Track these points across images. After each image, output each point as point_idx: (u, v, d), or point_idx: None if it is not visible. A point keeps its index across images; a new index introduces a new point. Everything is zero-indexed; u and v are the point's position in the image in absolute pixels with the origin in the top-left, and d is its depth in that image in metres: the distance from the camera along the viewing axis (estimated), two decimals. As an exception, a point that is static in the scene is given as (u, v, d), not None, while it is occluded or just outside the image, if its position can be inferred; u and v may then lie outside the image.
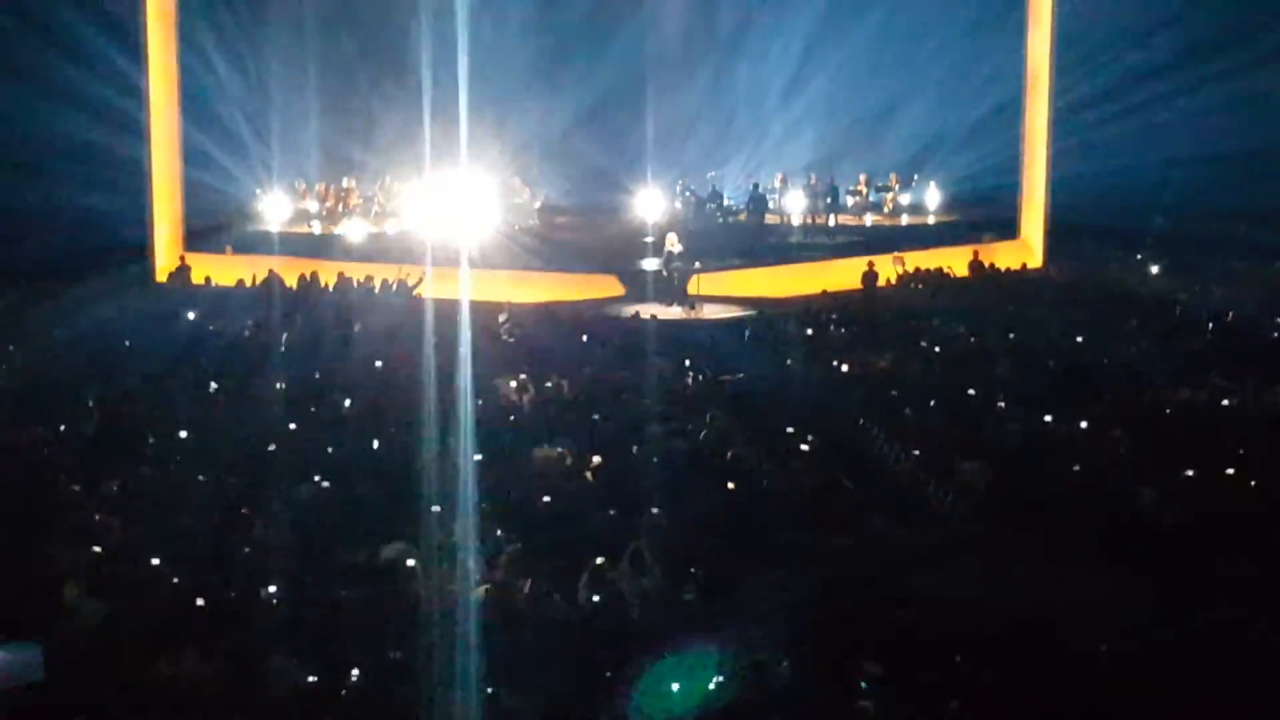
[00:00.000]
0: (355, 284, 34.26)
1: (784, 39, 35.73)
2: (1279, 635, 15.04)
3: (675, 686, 13.88)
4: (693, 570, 17.30)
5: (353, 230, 37.60)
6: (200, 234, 37.51)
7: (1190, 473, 21.28)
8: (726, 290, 34.47)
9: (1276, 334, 30.76)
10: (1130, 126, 37.06)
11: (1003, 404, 25.58)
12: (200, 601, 16.36)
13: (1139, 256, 37.51)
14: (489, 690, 14.07)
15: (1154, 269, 36.66)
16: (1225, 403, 25.32)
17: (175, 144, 36.87)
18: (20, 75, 35.28)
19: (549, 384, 25.96)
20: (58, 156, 35.08)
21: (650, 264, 34.09)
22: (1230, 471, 21.33)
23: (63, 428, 23.47)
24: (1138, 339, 29.75)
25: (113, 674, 14.74)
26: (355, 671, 14.65)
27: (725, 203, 38.87)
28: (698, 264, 34.68)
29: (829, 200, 39.20)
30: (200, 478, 20.89)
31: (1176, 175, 37.50)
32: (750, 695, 14.24)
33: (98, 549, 18.00)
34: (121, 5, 36.13)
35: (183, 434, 23.61)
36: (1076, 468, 21.95)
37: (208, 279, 35.80)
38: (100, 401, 24.78)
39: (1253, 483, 20.92)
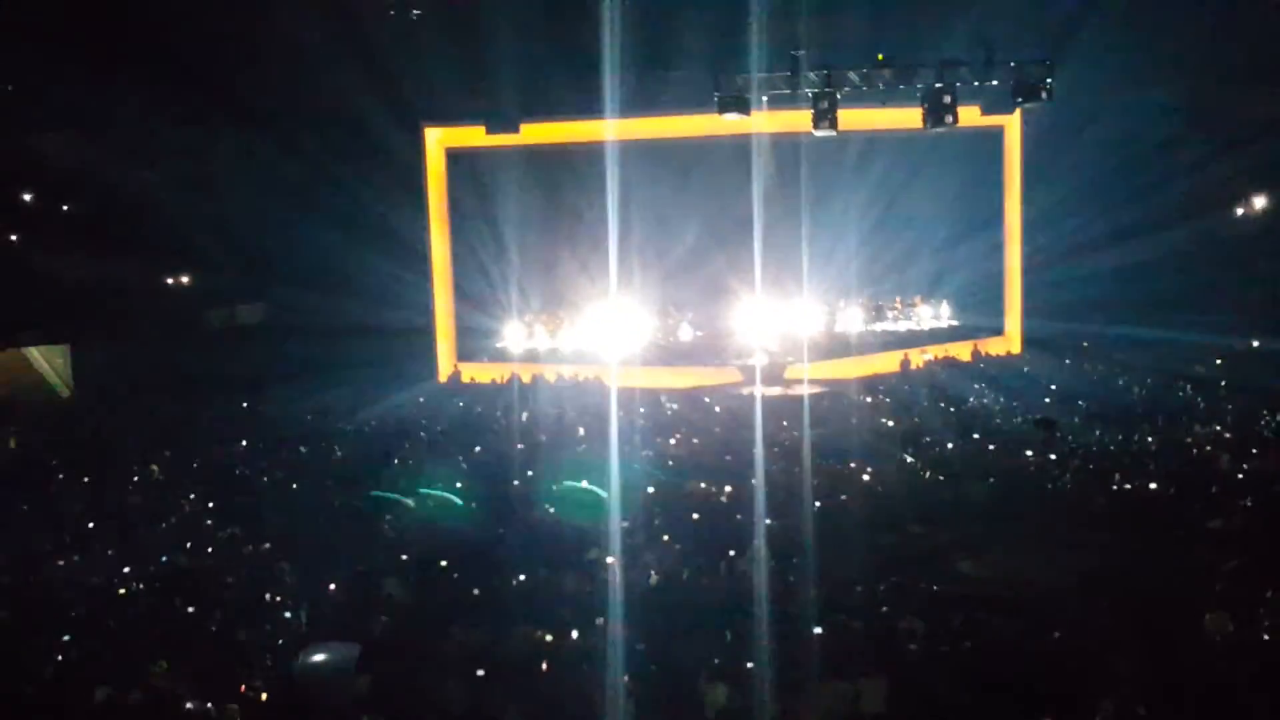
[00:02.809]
0: (565, 379, 34.60)
1: (843, 196, 35.69)
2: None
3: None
4: (794, 560, 17.33)
5: (562, 344, 37.88)
6: (467, 350, 38.11)
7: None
8: (810, 375, 34.35)
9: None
10: (1075, 262, 36.50)
11: (999, 437, 25.40)
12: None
13: (1083, 344, 37.03)
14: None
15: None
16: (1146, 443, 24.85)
17: (450, 294, 37.71)
18: (345, 230, 35.67)
19: (695, 440, 26.02)
20: (376, 297, 35.50)
21: (759, 359, 34.05)
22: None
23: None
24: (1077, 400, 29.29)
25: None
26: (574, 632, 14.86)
27: (808, 318, 38.62)
28: (790, 358, 34.67)
29: (875, 313, 38.92)
30: (472, 505, 21.18)
31: (1106, 294, 36.88)
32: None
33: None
34: (412, 188, 36.80)
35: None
36: (1050, 485, 21.73)
37: (472, 379, 36.28)
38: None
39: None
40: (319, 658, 13.90)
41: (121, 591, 17.11)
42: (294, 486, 23.03)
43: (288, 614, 15.95)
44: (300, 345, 35.16)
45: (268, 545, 18.60)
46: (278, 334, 38.82)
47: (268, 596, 16.64)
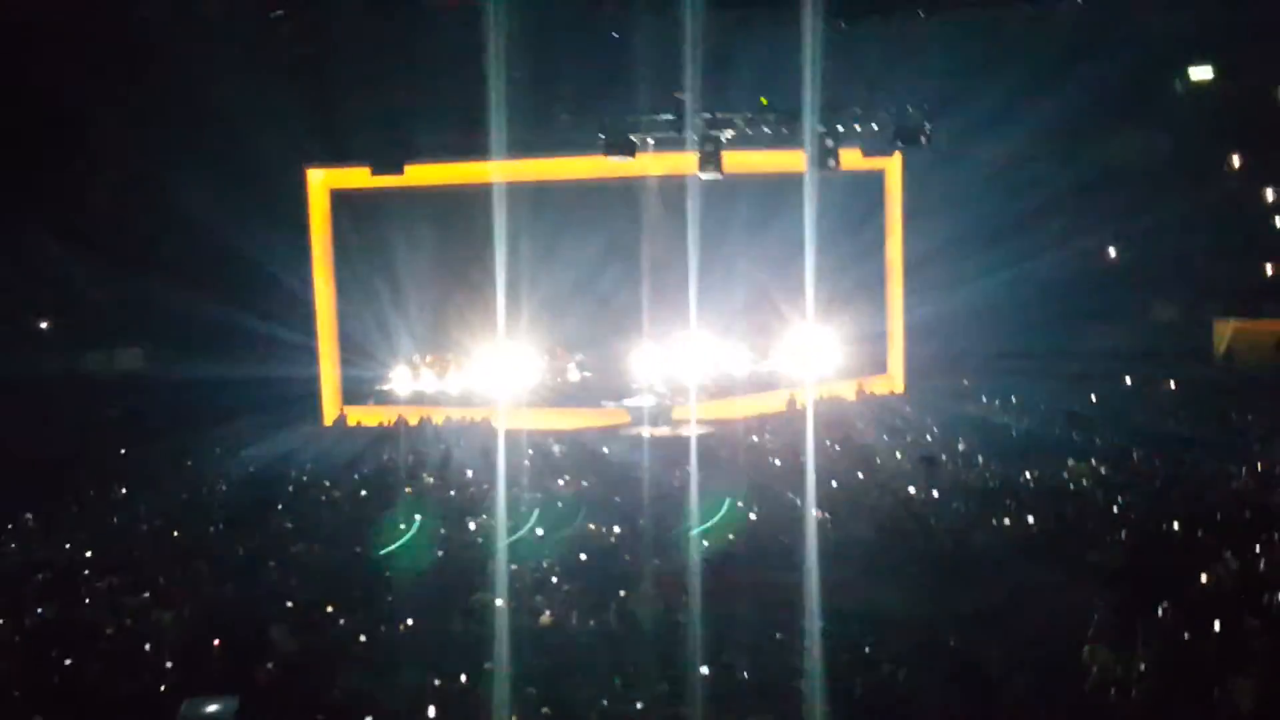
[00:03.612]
0: (454, 420, 34.44)
1: (730, 237, 35.93)
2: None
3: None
4: (683, 600, 17.43)
5: (449, 386, 37.67)
6: (353, 393, 37.72)
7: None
8: (697, 415, 34.56)
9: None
10: (955, 301, 37.26)
11: (882, 475, 25.76)
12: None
13: (964, 382, 37.76)
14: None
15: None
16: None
17: (335, 338, 37.32)
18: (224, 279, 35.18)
19: (584, 481, 26.04)
20: (258, 339, 34.98)
21: (646, 400, 34.20)
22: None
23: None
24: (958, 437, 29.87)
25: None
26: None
27: (693, 359, 38.87)
28: (677, 399, 34.87)
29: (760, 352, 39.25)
30: (357, 550, 20.98)
31: (985, 332, 37.68)
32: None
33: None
34: (295, 229, 36.43)
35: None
36: (933, 522, 22.09)
37: (359, 422, 35.92)
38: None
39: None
40: (206, 709, 13.63)
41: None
42: (174, 534, 22.60)
43: (169, 664, 15.64)
44: (180, 389, 34.53)
45: (147, 595, 18.21)
46: (157, 378, 38.09)
47: (147, 647, 16.31)
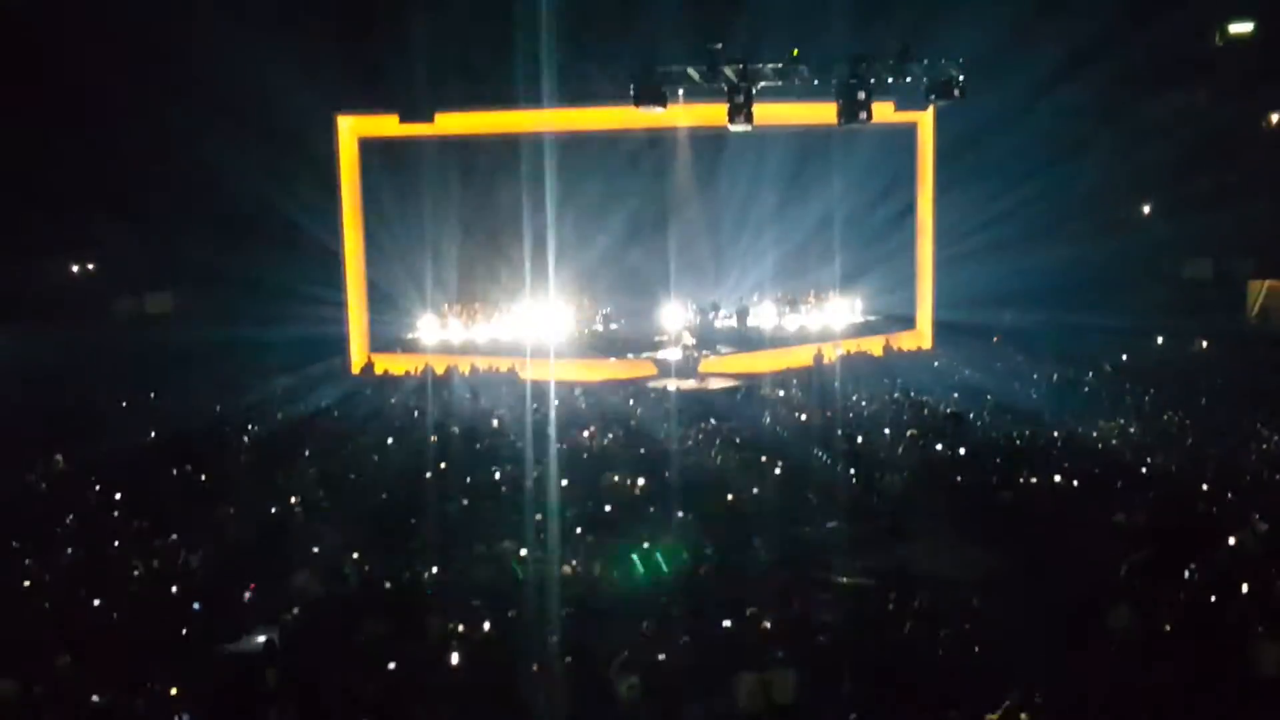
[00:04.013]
0: (481, 370, 34.48)
1: (760, 191, 35.86)
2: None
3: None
4: (707, 551, 17.47)
5: (476, 335, 37.69)
6: (381, 341, 37.79)
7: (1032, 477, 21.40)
8: (724, 369, 34.56)
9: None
10: (985, 258, 37.08)
11: (910, 431, 25.70)
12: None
13: (994, 339, 37.66)
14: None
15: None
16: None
17: (363, 286, 37.34)
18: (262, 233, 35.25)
19: (609, 434, 26.03)
20: (288, 287, 34.97)
21: (674, 353, 34.15)
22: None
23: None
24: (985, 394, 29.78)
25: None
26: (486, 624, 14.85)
27: (722, 312, 38.86)
28: (705, 352, 34.83)
29: (789, 307, 39.16)
30: (384, 496, 21.07)
31: (1015, 289, 37.50)
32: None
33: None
34: (325, 177, 36.37)
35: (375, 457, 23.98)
36: (960, 479, 22.02)
37: (386, 370, 36.00)
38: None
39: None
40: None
41: (26, 584, 16.78)
42: (202, 479, 22.73)
43: (195, 605, 15.76)
44: (209, 336, 34.69)
45: (174, 537, 18.33)
46: (187, 325, 38.25)
47: (174, 589, 16.44)
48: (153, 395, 32.26)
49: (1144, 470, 21.98)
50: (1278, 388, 29.31)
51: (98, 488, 21.87)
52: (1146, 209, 43.65)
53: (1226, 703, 12.13)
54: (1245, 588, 15.21)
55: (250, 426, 27.82)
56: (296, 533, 19.13)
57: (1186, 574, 15.98)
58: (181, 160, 36.08)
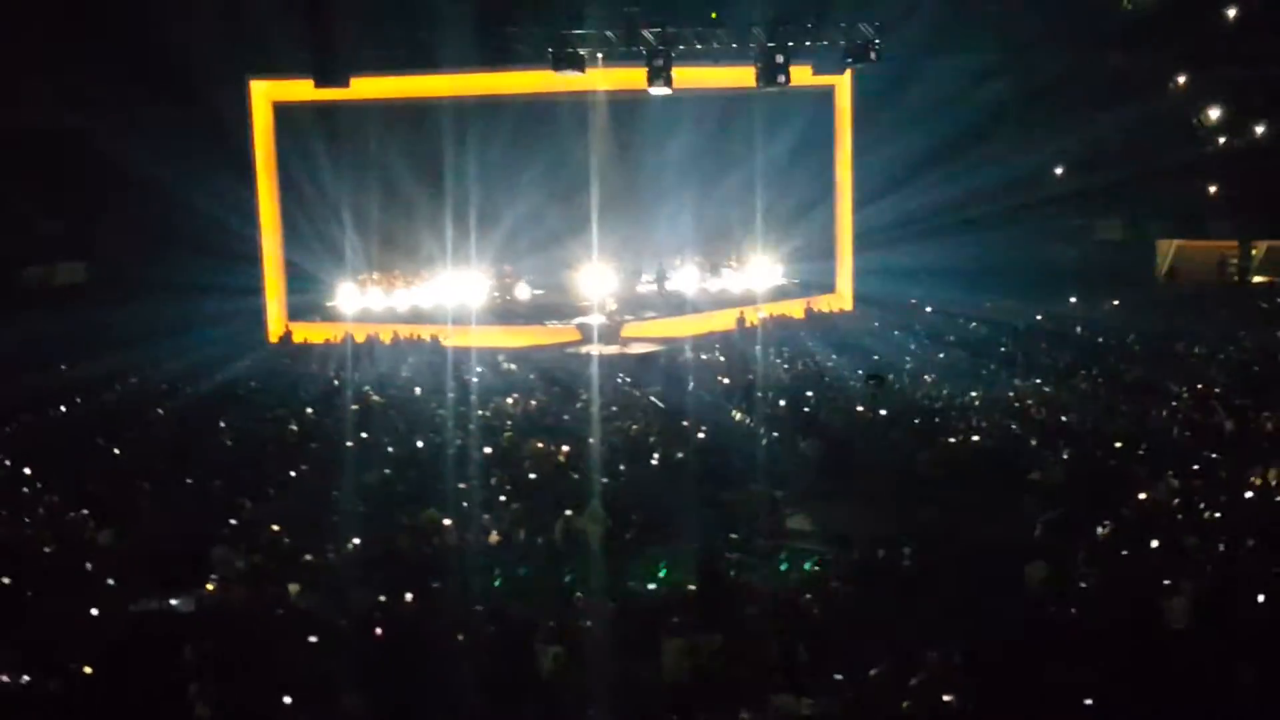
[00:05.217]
0: (401, 338, 34.16)
1: (680, 156, 35.65)
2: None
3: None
4: (632, 518, 17.44)
5: (397, 303, 37.27)
6: (299, 309, 37.24)
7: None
8: (646, 333, 34.51)
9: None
10: (904, 219, 37.35)
11: (830, 394, 25.83)
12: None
13: (911, 301, 37.99)
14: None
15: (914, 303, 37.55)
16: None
17: (280, 253, 36.72)
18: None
19: (532, 401, 25.92)
20: (203, 256, 34.20)
21: (596, 318, 34.03)
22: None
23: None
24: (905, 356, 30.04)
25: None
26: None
27: (643, 277, 38.75)
28: (627, 317, 34.76)
29: (710, 271, 39.15)
30: (303, 467, 20.81)
31: (933, 251, 37.80)
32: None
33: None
34: (237, 141, 35.68)
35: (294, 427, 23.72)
36: (880, 440, 22.17)
37: (305, 339, 35.51)
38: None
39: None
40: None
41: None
42: (116, 452, 22.31)
43: (109, 582, 15.47)
44: (123, 306, 33.98)
45: (87, 513, 17.96)
46: (100, 294, 37.48)
47: (89, 565, 16.12)
48: (64, 367, 31.62)
49: (1058, 429, 22.25)
50: (1187, 346, 29.85)
51: (8, 462, 21.39)
52: (1059, 170, 44.14)
53: (1139, 657, 12.30)
54: (1156, 543, 15.48)
55: (165, 398, 27.36)
56: (214, 506, 18.82)
57: (1099, 530, 16.23)
58: (90, 123, 35.13)
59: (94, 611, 14.55)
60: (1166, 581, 13.74)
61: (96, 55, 33.68)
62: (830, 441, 22.02)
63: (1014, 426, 22.60)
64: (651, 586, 15.60)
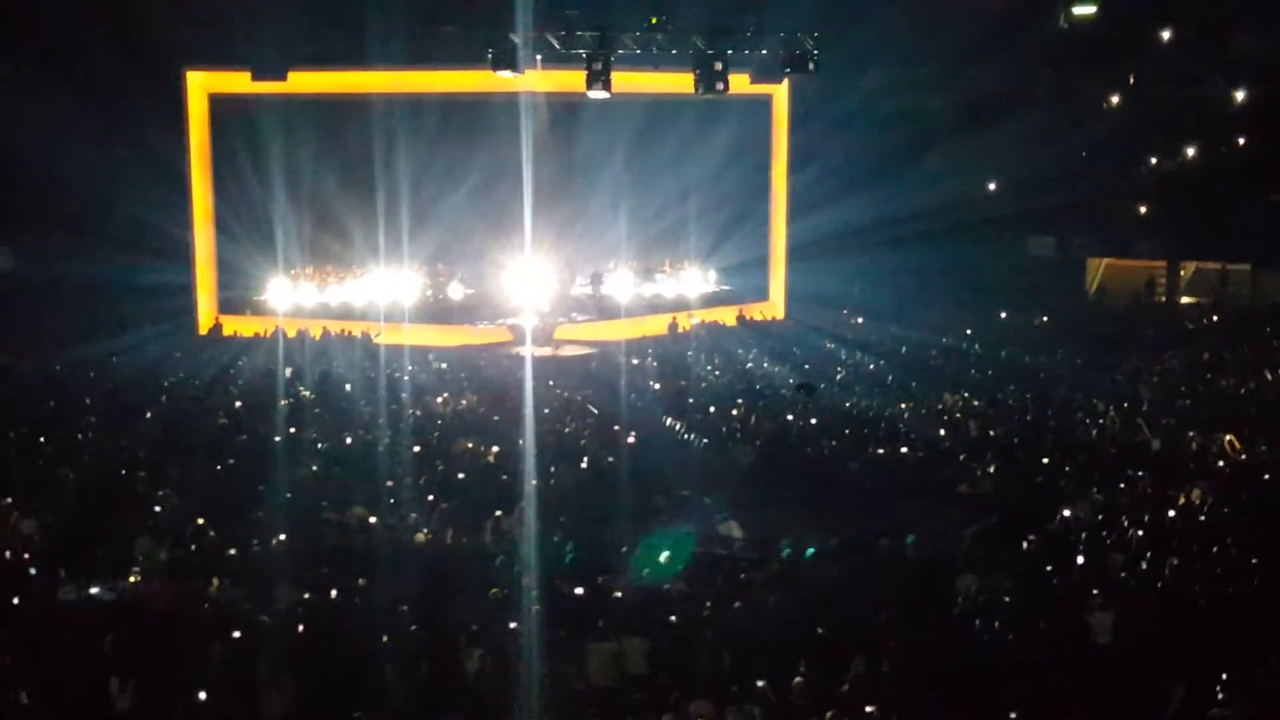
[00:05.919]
0: (333, 334, 33.83)
1: (616, 159, 35.67)
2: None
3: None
4: (561, 520, 17.40)
5: (328, 298, 36.85)
6: (229, 302, 36.74)
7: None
8: (579, 336, 34.48)
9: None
10: (837, 229, 37.59)
11: (761, 401, 25.91)
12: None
13: (843, 311, 38.24)
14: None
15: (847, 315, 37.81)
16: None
17: (212, 245, 36.19)
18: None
19: (463, 400, 25.80)
20: (134, 246, 33.71)
21: (528, 320, 33.91)
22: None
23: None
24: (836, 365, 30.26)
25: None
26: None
27: (577, 280, 38.63)
28: (560, 319, 34.71)
29: (644, 275, 39.12)
30: (231, 461, 20.57)
31: (866, 261, 38.13)
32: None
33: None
34: (172, 133, 35.11)
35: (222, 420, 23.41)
36: (810, 449, 22.27)
37: (235, 332, 35.05)
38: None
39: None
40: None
41: None
42: (40, 441, 21.91)
43: (32, 571, 15.21)
44: (53, 294, 33.45)
45: (9, 501, 17.63)
46: (29, 282, 36.83)
47: (8, 554, 15.85)
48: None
49: (985, 442, 22.46)
50: (1113, 363, 30.27)
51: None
52: (992, 186, 44.65)
53: (1064, 669, 12.43)
54: (1080, 559, 15.66)
55: (92, 387, 26.93)
56: (139, 497, 18.55)
57: (1025, 544, 16.40)
58: (21, 112, 34.51)
59: (15, 600, 14.30)
60: (1095, 592, 13.93)
61: (31, 47, 33.11)
62: (761, 449, 22.12)
63: (943, 438, 22.81)
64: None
